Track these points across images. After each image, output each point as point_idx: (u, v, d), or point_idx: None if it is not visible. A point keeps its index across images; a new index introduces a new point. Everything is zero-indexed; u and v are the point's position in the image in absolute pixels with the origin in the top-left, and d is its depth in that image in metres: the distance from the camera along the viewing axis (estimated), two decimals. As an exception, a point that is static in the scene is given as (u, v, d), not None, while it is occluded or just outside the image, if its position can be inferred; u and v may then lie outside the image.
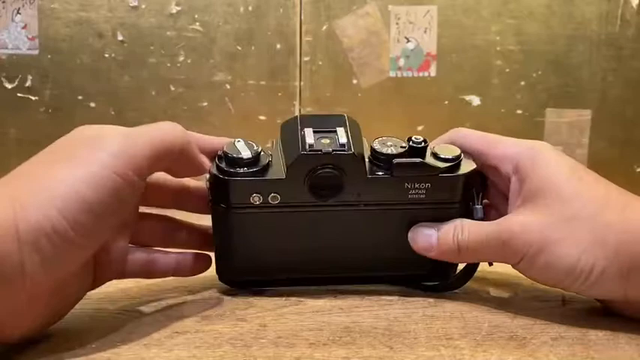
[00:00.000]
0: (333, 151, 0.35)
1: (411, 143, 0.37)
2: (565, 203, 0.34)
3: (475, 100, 0.68)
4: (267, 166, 0.36)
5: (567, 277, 0.33)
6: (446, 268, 0.40)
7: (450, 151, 0.37)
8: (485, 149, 0.38)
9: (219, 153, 0.36)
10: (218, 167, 0.36)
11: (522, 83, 0.68)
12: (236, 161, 0.36)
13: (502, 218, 0.36)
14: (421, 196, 0.37)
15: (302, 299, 0.38)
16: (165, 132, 0.33)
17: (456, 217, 0.38)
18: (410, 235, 0.37)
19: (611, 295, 0.34)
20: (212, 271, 0.40)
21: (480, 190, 0.38)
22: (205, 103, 0.66)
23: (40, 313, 0.30)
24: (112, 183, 0.29)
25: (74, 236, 0.28)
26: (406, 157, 0.36)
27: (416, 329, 0.34)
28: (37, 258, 0.27)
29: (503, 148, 0.37)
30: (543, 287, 0.41)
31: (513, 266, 0.36)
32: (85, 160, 0.30)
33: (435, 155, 0.37)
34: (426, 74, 0.67)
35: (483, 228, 0.36)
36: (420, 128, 0.67)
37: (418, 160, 0.36)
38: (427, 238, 0.37)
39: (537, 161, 0.36)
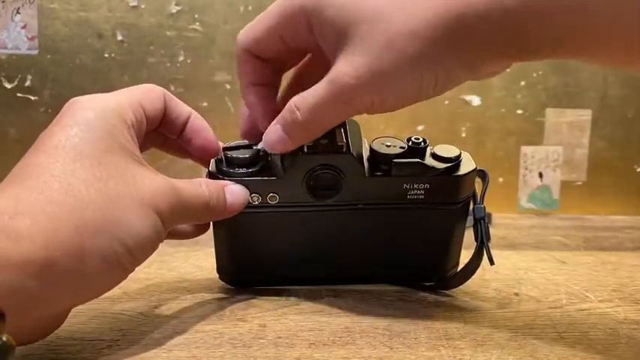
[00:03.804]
0: (332, 152, 0.35)
1: (410, 144, 0.36)
2: (369, 25, 0.30)
3: (475, 100, 0.68)
4: (266, 165, 0.36)
5: (419, 96, 0.31)
6: (446, 268, 0.40)
7: (450, 151, 0.37)
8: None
9: (219, 155, 0.36)
10: (217, 167, 0.36)
11: (522, 83, 0.68)
12: (234, 161, 0.36)
13: (327, 75, 0.31)
14: (420, 196, 0.36)
15: (302, 299, 0.38)
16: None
17: (457, 218, 0.38)
18: (263, 139, 0.35)
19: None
20: (212, 271, 0.40)
21: (482, 185, 0.38)
22: (205, 103, 0.66)
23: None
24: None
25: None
26: (405, 158, 0.36)
27: (416, 329, 0.34)
28: None
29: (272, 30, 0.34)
30: (544, 287, 0.41)
31: (373, 109, 0.32)
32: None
33: (435, 155, 0.37)
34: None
35: (315, 93, 0.32)
36: (420, 128, 0.67)
37: (417, 160, 0.36)
38: (276, 132, 0.34)
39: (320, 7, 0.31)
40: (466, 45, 0.29)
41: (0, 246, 0.24)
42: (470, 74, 0.31)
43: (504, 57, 0.30)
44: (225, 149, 0.36)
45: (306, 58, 0.37)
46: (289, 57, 0.36)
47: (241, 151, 0.36)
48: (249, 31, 0.35)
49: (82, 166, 0.28)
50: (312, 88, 0.32)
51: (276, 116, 0.34)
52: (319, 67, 0.34)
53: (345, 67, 0.30)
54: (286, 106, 0.33)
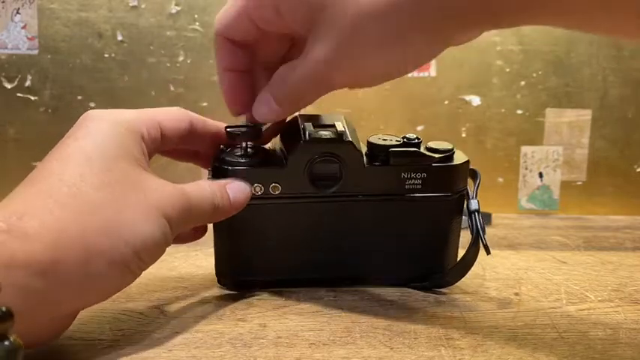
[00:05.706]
0: (333, 140, 0.36)
1: (405, 140, 0.38)
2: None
3: (475, 100, 0.68)
4: (268, 156, 0.37)
5: (391, 74, 0.32)
6: (443, 265, 0.40)
7: (444, 145, 0.38)
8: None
9: (221, 146, 0.37)
10: (219, 158, 0.36)
11: (522, 83, 0.68)
12: (237, 152, 0.36)
13: (303, 54, 0.33)
14: (417, 186, 0.37)
15: (302, 299, 0.38)
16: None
17: (453, 211, 0.39)
18: (253, 109, 0.35)
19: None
20: (212, 271, 0.40)
21: (475, 183, 0.39)
22: (205, 103, 0.66)
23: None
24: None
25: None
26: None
27: (416, 329, 0.34)
28: None
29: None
30: (544, 287, 0.41)
31: (353, 87, 0.33)
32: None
33: (430, 149, 0.38)
34: (426, 74, 0.67)
35: (295, 69, 0.33)
36: (419, 128, 0.67)
37: (413, 149, 0.37)
38: (267, 101, 0.34)
39: None
40: (432, 18, 0.29)
41: (7, 246, 0.25)
42: (443, 46, 0.31)
43: (475, 25, 0.30)
44: (227, 132, 0.36)
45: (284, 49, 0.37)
46: (263, 40, 0.36)
47: (243, 136, 0.36)
48: (222, 14, 0.35)
49: (90, 171, 0.29)
50: (295, 62, 0.33)
51: (248, 103, 0.36)
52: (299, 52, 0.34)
53: (317, 51, 0.31)
54: (275, 75, 0.34)
